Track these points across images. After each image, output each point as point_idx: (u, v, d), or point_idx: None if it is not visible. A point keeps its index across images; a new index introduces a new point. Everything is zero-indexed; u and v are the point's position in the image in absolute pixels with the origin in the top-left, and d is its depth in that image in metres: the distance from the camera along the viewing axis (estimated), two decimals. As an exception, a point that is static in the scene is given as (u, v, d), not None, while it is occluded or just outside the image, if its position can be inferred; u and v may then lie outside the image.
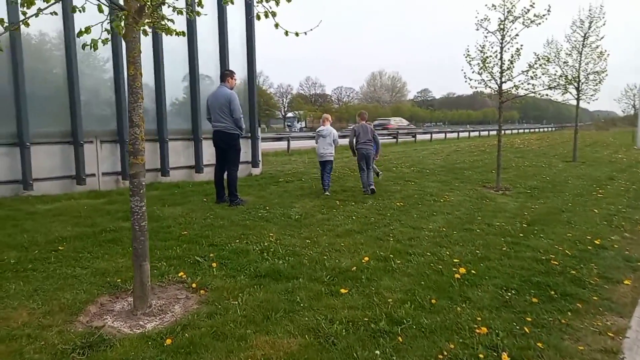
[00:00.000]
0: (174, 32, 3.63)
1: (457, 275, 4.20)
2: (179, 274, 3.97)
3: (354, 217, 6.42)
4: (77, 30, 2.80)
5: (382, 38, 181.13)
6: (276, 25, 3.17)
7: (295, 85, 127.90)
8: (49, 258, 4.29)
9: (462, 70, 9.18)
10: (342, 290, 3.80)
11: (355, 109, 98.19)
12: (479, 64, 9.14)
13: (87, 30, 2.61)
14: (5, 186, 7.15)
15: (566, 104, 16.77)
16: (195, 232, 5.40)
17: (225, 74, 7.25)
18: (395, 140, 27.49)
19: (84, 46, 2.71)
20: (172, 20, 3.36)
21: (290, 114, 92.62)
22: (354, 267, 4.34)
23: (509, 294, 3.86)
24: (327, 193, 8.17)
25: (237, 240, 5.10)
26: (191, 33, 9.12)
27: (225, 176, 7.13)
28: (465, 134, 38.40)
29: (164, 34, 3.61)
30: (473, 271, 4.34)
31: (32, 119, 7.23)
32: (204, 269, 4.19)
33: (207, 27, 9.51)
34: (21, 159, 7.17)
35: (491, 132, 42.38)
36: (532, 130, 56.13)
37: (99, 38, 2.74)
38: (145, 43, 8.53)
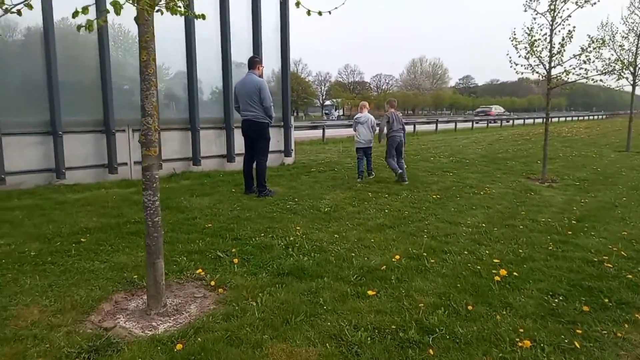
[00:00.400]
0: (193, 14, 3.40)
1: (497, 278, 3.83)
2: (198, 271, 3.79)
3: (386, 211, 6.10)
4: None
5: (424, 23, 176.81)
6: (297, 4, 2.88)
7: (334, 73, 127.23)
8: (69, 251, 4.21)
9: (507, 54, 8.60)
10: (370, 292, 3.51)
11: (395, 96, 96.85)
12: (526, 47, 8.52)
13: (85, 10, 2.41)
14: (39, 175, 7.23)
15: (620, 90, 15.60)
16: (220, 224, 5.23)
17: (256, 60, 6.98)
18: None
19: (78, 27, 2.51)
20: (185, 1, 3.12)
21: (328, 102, 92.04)
22: (384, 266, 4.05)
23: (556, 300, 3.47)
24: (372, 175, 8.68)
25: (262, 234, 4.89)
26: (224, 18, 8.96)
27: (254, 166, 6.94)
28: (509, 122, 36.89)
29: (196, 19, 3.39)
30: (515, 273, 3.96)
31: (65, 107, 7.26)
32: (225, 265, 4.00)
33: (240, 12, 9.31)
34: (54, 148, 7.23)
35: (536, 120, 40.64)
36: (580, 118, 53.37)
37: (96, 18, 2.53)
38: (177, 29, 8.45)
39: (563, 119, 48.31)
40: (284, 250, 4.43)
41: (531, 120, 40.13)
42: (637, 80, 14.06)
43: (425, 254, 4.39)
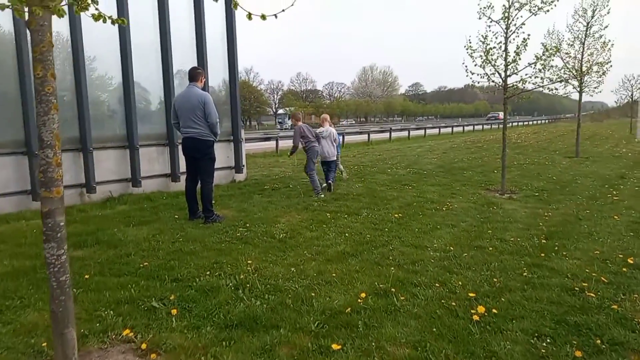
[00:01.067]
0: (107, 18, 2.76)
1: (475, 317, 3.39)
2: (125, 332, 3.11)
3: (346, 234, 5.59)
4: None
5: (373, 33, 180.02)
6: (235, 5, 2.32)
7: (287, 81, 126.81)
8: (-38, 310, 3.42)
9: (463, 63, 8.37)
10: (334, 346, 2.97)
11: (347, 104, 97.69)
12: (481, 56, 8.31)
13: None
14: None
15: (558, 95, 15.96)
16: (158, 261, 4.54)
17: (198, 72, 6.29)
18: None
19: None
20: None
21: (281, 111, 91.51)
22: (349, 308, 3.52)
23: (544, 344, 3.05)
24: (332, 185, 8.58)
25: (208, 272, 4.25)
26: (163, 25, 8.24)
27: (199, 189, 6.27)
28: (460, 129, 37.69)
29: (115, 24, 2.76)
30: (494, 310, 3.53)
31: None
32: (161, 318, 3.34)
33: (182, 20, 8.62)
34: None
35: (485, 127, 41.81)
36: (525, 123, 55.51)
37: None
38: (111, 35, 7.65)
39: (510, 124, 50.00)
40: (233, 292, 3.81)
41: (480, 127, 41.22)
42: (583, 87, 14.39)
43: (393, 289, 3.90)
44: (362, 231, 5.76)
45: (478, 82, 8.48)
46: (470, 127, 39.50)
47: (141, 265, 4.39)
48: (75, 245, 4.98)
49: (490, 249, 5.13)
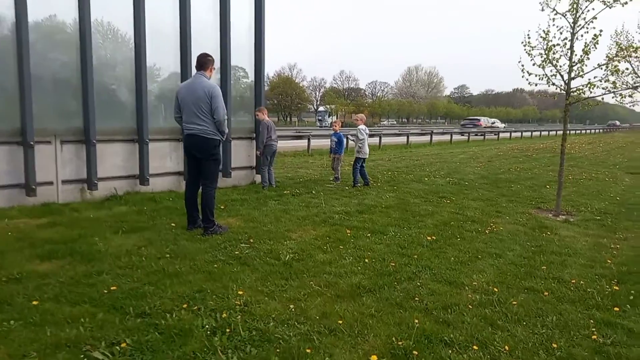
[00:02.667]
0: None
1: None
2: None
3: (366, 260, 4.64)
4: None
5: (420, 33, 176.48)
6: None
7: (329, 78, 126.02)
8: None
9: (519, 62, 7.20)
10: None
11: (389, 103, 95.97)
12: (541, 54, 7.13)
13: None
14: None
15: (611, 104, 14.27)
16: (131, 285, 3.74)
17: (208, 59, 5.41)
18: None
19: None
20: None
21: (321, 108, 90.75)
22: (352, 380, 2.59)
23: None
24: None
25: (185, 305, 3.42)
26: (184, 10, 7.51)
27: (200, 195, 5.47)
28: (506, 135, 35.68)
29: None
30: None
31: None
32: (99, 378, 2.52)
33: (205, 5, 7.88)
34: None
35: (534, 133, 39.57)
36: (578, 131, 52.36)
37: None
38: (124, 18, 6.99)
39: (554, 133, 47.15)
40: (206, 339, 2.96)
41: (529, 134, 38.99)
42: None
43: (415, 350, 2.94)
44: (385, 256, 4.79)
45: (536, 85, 7.29)
46: (518, 134, 37.35)
47: (108, 290, 3.60)
48: (44, 256, 4.27)
49: (546, 293, 4.06)
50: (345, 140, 10.28)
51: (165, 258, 4.40)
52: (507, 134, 35.83)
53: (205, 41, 7.85)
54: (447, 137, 27.68)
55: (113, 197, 6.90)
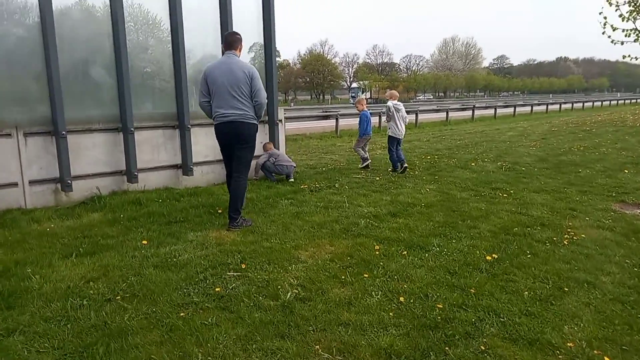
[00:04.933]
0: None
1: None
2: None
3: (401, 300, 3.23)
4: None
5: (456, 2, 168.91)
6: None
7: (362, 54, 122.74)
8: None
9: (600, 13, 5.46)
10: None
11: (425, 77, 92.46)
12: (631, 1, 5.36)
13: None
14: None
15: None
16: (47, 357, 2.49)
17: (237, 38, 4.92)
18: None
19: None
20: None
21: (354, 85, 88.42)
22: None
23: None
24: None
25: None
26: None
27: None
28: (556, 107, 32.89)
29: None
30: None
31: None
32: None
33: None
34: None
35: (586, 104, 36.48)
36: (633, 100, 48.33)
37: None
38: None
39: (613, 102, 43.56)
40: None
41: (580, 105, 35.95)
42: None
43: None
44: (429, 291, 3.36)
45: (622, 43, 5.55)
46: (568, 105, 34.40)
47: (-2, 373, 2.36)
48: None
49: (689, 364, 2.54)
50: (368, 120, 8.78)
51: (115, 302, 3.12)
52: (557, 106, 33.01)
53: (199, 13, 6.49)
54: (490, 112, 25.47)
55: (93, 199, 5.71)
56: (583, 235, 4.72)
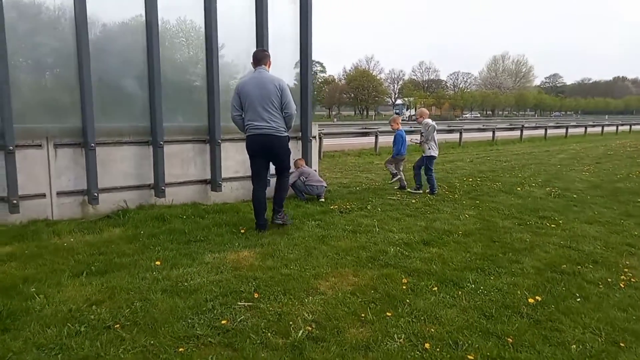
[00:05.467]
0: None
1: None
2: None
3: (426, 346, 2.84)
4: None
5: (507, 18, 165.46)
6: None
7: (408, 70, 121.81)
8: None
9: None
10: None
11: (472, 95, 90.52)
12: None
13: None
14: None
15: None
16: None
17: (265, 54, 5.28)
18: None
19: None
20: None
21: (399, 101, 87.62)
22: None
23: None
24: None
25: None
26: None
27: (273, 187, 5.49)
28: (612, 129, 31.11)
29: None
30: None
31: None
32: None
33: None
34: None
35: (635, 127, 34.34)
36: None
37: None
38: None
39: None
40: None
41: (639, 127, 33.84)
42: None
43: None
44: (459, 338, 2.96)
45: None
46: (626, 127, 32.46)
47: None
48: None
49: None
50: (403, 139, 8.40)
51: (114, 330, 2.91)
52: (614, 128, 31.21)
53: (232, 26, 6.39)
54: (539, 132, 24.32)
55: (119, 213, 5.63)
56: (643, 277, 4.15)
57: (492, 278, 4.00)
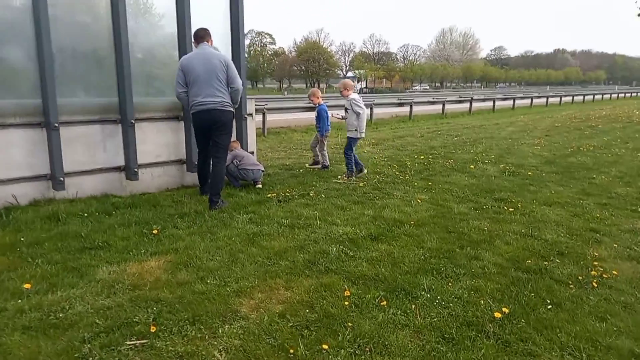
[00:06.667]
0: None
1: None
2: None
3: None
4: None
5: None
6: None
7: (359, 43, 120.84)
8: None
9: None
10: None
11: (422, 68, 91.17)
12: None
13: None
14: None
15: None
16: None
17: (207, 32, 5.22)
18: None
19: None
20: None
21: (350, 74, 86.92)
22: None
23: None
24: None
25: None
26: None
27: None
28: (556, 100, 31.79)
29: None
30: None
31: None
32: None
33: None
34: None
35: (587, 97, 35.48)
36: (634, 94, 47.34)
37: None
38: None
39: (614, 95, 42.54)
40: None
41: (580, 98, 34.91)
42: None
43: None
44: (413, 377, 2.29)
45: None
46: (569, 98, 33.31)
47: None
48: None
49: None
50: (327, 115, 7.72)
51: None
52: (557, 99, 31.94)
53: None
54: (488, 104, 24.34)
55: (1, 212, 4.59)
56: (615, 272, 3.67)
57: (450, 283, 3.37)
